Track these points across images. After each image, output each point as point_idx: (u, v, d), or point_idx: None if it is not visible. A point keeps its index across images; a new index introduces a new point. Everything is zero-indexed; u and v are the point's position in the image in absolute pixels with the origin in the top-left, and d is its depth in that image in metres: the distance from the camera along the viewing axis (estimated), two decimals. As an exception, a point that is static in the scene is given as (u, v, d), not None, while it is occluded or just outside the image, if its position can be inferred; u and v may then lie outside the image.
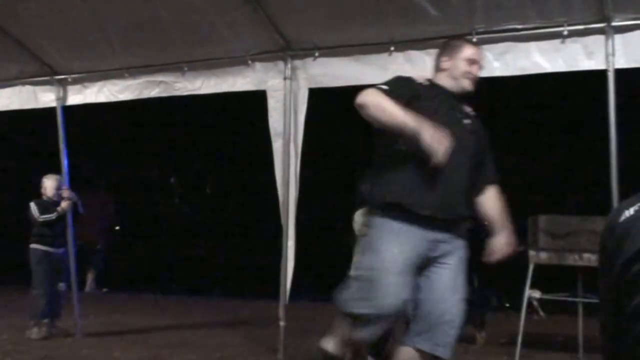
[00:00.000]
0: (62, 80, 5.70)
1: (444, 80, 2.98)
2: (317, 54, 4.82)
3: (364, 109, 2.73)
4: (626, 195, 1.53)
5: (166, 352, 5.23)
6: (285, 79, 4.91)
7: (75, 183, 6.01)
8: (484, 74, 3.49)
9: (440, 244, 2.79)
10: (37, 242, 5.89)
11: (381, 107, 2.70)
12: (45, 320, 5.80)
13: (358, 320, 2.79)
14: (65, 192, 5.85)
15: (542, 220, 4.80)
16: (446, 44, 3.11)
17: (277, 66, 4.97)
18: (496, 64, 4.32)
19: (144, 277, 10.46)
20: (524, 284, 4.80)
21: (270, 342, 5.20)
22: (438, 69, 3.04)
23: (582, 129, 10.42)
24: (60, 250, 5.91)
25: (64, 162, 5.80)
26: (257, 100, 5.21)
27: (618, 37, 4.07)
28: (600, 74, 4.09)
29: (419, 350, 2.82)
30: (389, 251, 2.72)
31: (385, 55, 4.62)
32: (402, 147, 2.76)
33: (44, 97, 5.83)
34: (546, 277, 5.15)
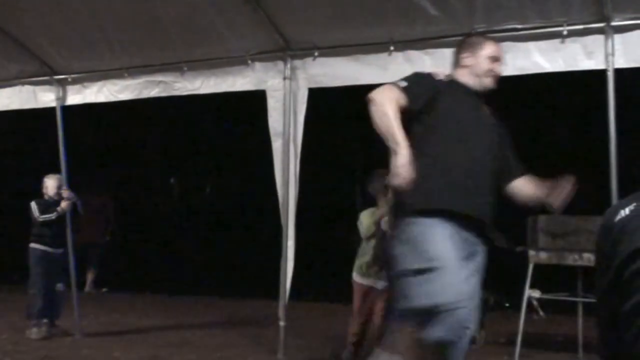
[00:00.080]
0: (61, 80, 5.70)
1: (465, 77, 2.93)
2: (316, 54, 4.82)
3: (371, 104, 2.72)
4: (626, 195, 1.53)
5: (166, 352, 5.23)
6: (284, 78, 4.91)
7: (74, 183, 6.02)
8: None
9: (468, 245, 2.74)
10: (36, 242, 5.89)
11: (383, 110, 2.68)
12: (45, 320, 5.79)
13: (428, 314, 2.57)
14: (65, 192, 5.85)
15: (542, 220, 4.80)
16: (466, 41, 3.05)
17: (276, 66, 4.98)
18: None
19: (144, 277, 10.45)
20: (523, 284, 4.80)
21: (270, 342, 5.20)
22: (458, 65, 2.98)
23: (582, 128, 10.43)
24: (60, 250, 5.90)
25: (64, 162, 5.80)
26: (256, 100, 5.21)
27: (617, 37, 4.08)
28: (600, 74, 4.10)
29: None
30: (443, 242, 2.64)
31: (384, 55, 4.62)
32: (431, 150, 2.74)
33: (44, 97, 5.83)
34: (546, 277, 5.15)
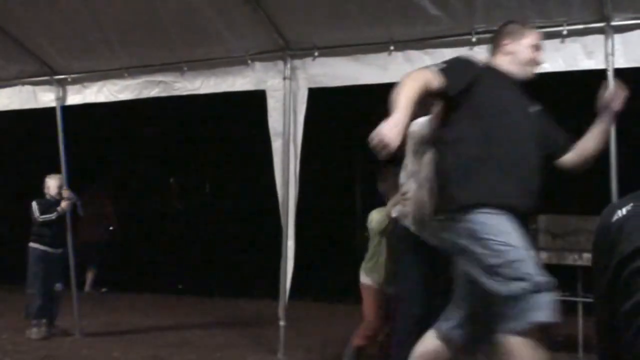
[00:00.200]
0: (61, 80, 5.70)
1: (507, 65, 2.87)
2: (316, 54, 4.82)
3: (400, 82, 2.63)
4: (626, 195, 1.53)
5: (166, 352, 5.23)
6: (284, 78, 4.91)
7: (74, 183, 6.02)
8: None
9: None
10: (36, 242, 5.90)
11: (401, 87, 2.58)
12: (44, 320, 5.79)
13: (525, 301, 2.48)
14: (65, 192, 5.86)
15: (542, 220, 4.81)
16: (506, 28, 2.98)
17: (276, 66, 4.98)
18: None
19: (144, 277, 10.45)
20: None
21: (270, 342, 5.20)
22: (498, 52, 2.92)
23: (582, 128, 10.41)
24: (59, 250, 5.90)
25: (64, 162, 5.80)
26: (256, 100, 5.21)
27: (617, 37, 4.08)
28: (600, 74, 4.09)
29: (449, 341, 2.81)
30: (513, 230, 2.57)
31: (384, 55, 4.62)
32: (478, 139, 2.67)
33: (44, 97, 5.83)
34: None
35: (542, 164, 2.82)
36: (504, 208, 2.61)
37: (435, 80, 2.66)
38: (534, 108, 2.91)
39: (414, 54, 4.55)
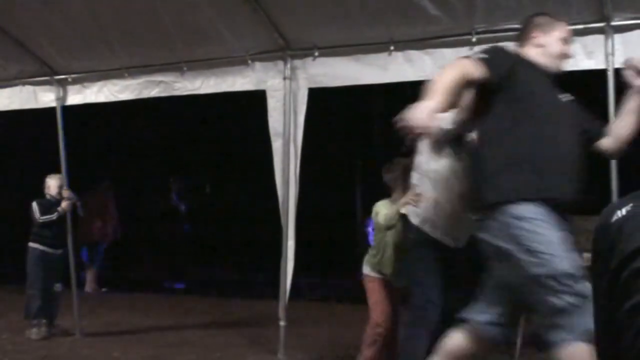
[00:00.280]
0: (62, 80, 5.70)
1: (538, 57, 2.82)
2: (316, 54, 4.82)
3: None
4: (626, 195, 1.53)
5: (166, 352, 5.23)
6: (285, 78, 4.91)
7: (75, 183, 6.01)
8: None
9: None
10: (36, 242, 5.90)
11: (439, 76, 2.53)
12: (44, 320, 5.80)
13: (573, 311, 2.42)
14: (65, 192, 5.86)
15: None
16: (534, 20, 2.93)
17: (276, 66, 4.97)
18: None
19: (144, 277, 10.46)
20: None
21: (270, 342, 5.20)
22: (528, 45, 2.86)
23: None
24: (59, 250, 5.90)
25: (64, 162, 5.80)
26: (256, 100, 5.21)
27: (617, 37, 4.07)
28: (600, 74, 4.09)
29: (482, 337, 2.81)
30: (557, 234, 2.51)
31: (385, 55, 4.61)
32: (523, 132, 2.61)
33: (44, 97, 5.83)
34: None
35: (583, 153, 2.77)
36: (549, 202, 2.55)
37: (476, 70, 2.57)
38: (567, 97, 2.87)
39: (414, 54, 4.55)
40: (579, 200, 2.71)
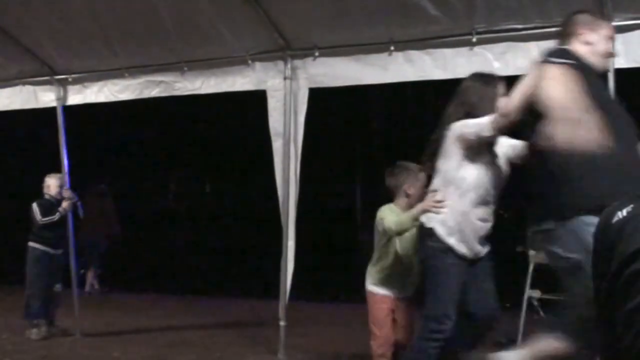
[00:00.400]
0: (62, 80, 5.70)
1: (587, 55, 2.70)
2: (317, 54, 4.82)
3: None
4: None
5: (166, 352, 5.23)
6: (285, 78, 4.91)
7: (75, 183, 6.01)
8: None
9: None
10: (36, 242, 5.88)
11: (527, 77, 2.53)
12: (44, 321, 5.79)
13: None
14: (66, 192, 5.85)
15: (542, 220, 4.79)
16: (580, 17, 2.81)
17: (277, 66, 4.97)
18: (496, 64, 4.31)
19: (144, 277, 10.45)
20: (524, 284, 4.80)
21: (270, 342, 5.20)
22: (575, 41, 2.74)
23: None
24: (59, 251, 5.89)
25: (64, 162, 5.80)
26: (257, 100, 5.21)
27: (618, 37, 4.04)
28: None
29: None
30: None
31: (385, 55, 4.61)
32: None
33: (44, 97, 5.83)
34: (546, 277, 5.15)
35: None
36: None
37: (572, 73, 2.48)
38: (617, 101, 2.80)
39: (414, 54, 4.55)
40: None
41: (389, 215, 3.72)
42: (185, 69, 5.19)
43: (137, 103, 5.64)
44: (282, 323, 4.86)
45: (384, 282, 3.81)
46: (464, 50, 4.35)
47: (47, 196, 5.99)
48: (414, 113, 12.53)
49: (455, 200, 3.22)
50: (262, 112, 5.06)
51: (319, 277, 9.52)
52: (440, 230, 3.24)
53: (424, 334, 3.32)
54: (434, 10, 4.26)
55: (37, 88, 5.84)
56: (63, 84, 5.72)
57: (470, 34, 4.30)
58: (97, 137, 13.21)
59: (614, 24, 4.03)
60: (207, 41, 4.96)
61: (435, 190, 3.33)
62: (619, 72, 4.04)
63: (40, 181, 6.07)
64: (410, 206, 3.68)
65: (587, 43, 2.72)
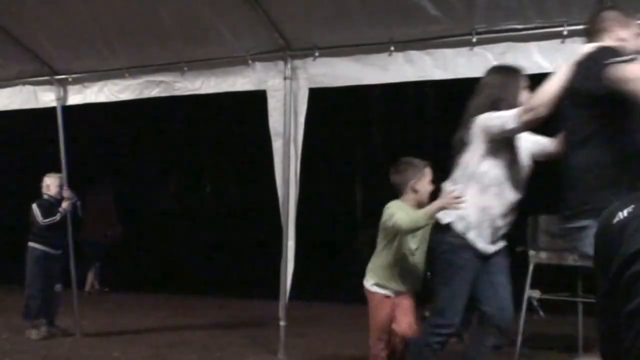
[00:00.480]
0: (62, 80, 5.70)
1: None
2: (317, 54, 4.82)
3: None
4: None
5: (166, 352, 5.24)
6: (285, 78, 4.91)
7: (75, 183, 6.01)
8: (483, 73, 3.48)
9: None
10: (36, 242, 5.88)
11: (557, 74, 2.64)
12: (43, 321, 5.79)
13: None
14: (66, 192, 5.84)
15: (542, 220, 4.80)
16: (609, 14, 2.76)
17: (277, 66, 4.97)
18: (496, 64, 4.31)
19: (144, 277, 10.45)
20: (524, 284, 4.79)
21: (270, 342, 5.20)
22: (607, 37, 2.69)
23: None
24: (59, 251, 5.89)
25: (64, 162, 5.80)
26: (257, 100, 5.21)
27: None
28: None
29: None
30: None
31: (385, 55, 4.61)
32: (624, 137, 2.47)
33: (44, 97, 5.83)
34: (546, 277, 5.15)
35: None
36: None
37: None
38: None
39: (414, 54, 4.54)
40: None
41: (399, 212, 3.57)
42: (185, 69, 5.19)
43: (137, 103, 5.64)
44: (282, 323, 4.86)
45: (385, 281, 3.75)
46: (464, 50, 4.35)
47: (46, 196, 5.98)
48: (414, 113, 12.55)
49: (476, 195, 3.15)
50: (262, 112, 5.06)
51: (319, 277, 9.52)
52: (460, 226, 3.17)
53: (429, 329, 3.30)
54: (434, 10, 4.26)
55: (37, 88, 5.84)
56: (63, 84, 5.72)
57: (471, 34, 4.29)
58: (97, 137, 13.22)
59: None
60: (207, 41, 4.96)
61: (454, 185, 3.24)
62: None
63: (40, 181, 6.07)
64: (418, 202, 3.63)
65: (620, 39, 2.67)
